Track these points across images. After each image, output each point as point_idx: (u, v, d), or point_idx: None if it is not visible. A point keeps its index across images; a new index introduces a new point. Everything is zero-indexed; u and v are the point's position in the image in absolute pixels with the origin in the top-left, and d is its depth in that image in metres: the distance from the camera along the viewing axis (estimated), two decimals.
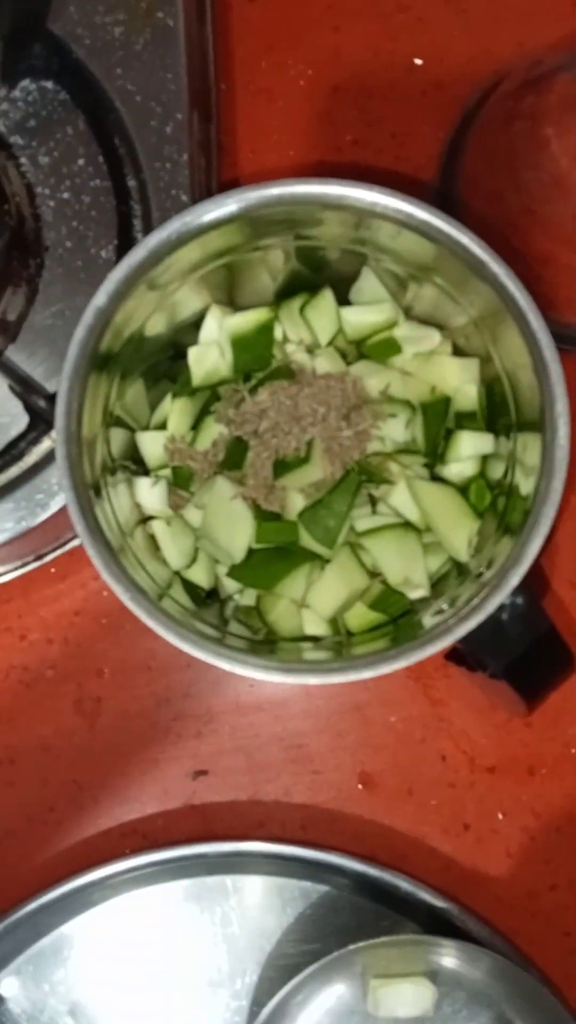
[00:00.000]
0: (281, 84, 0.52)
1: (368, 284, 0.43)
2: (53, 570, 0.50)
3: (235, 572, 0.42)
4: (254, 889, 0.48)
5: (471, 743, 0.49)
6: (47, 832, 0.49)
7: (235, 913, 0.49)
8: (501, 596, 0.37)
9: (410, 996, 0.46)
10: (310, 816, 0.49)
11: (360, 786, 0.49)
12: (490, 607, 0.37)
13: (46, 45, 0.45)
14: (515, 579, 0.37)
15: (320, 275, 0.44)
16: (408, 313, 0.44)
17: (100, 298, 0.38)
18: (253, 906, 0.48)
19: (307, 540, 0.41)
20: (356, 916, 0.48)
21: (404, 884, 0.48)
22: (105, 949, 0.48)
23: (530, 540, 0.37)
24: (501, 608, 0.38)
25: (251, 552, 0.42)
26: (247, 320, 0.42)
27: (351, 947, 0.46)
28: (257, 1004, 0.48)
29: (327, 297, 0.43)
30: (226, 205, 0.39)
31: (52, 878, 0.48)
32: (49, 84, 0.46)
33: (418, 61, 0.52)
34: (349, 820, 0.49)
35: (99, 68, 0.46)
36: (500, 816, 0.49)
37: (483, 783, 0.49)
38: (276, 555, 0.41)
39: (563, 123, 0.46)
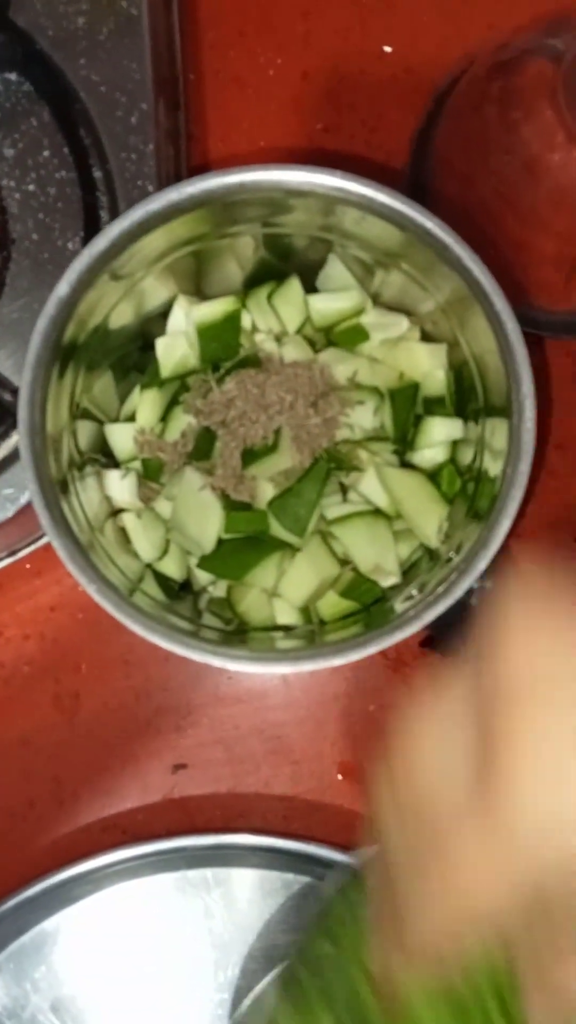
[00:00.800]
0: (251, 72, 0.51)
1: (335, 271, 0.43)
2: (28, 566, 0.49)
3: (205, 563, 0.42)
4: (236, 882, 0.48)
5: None
6: (27, 828, 0.49)
7: (218, 906, 0.48)
8: (469, 580, 0.37)
9: None
10: (291, 807, 0.49)
11: (340, 776, 0.49)
12: (458, 591, 0.37)
13: (9, 36, 0.45)
14: (483, 563, 0.37)
15: (287, 263, 0.43)
16: (376, 300, 0.43)
17: (62, 288, 0.38)
18: (236, 899, 0.48)
19: (277, 529, 0.41)
20: None
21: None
22: (87, 944, 0.48)
23: (498, 523, 0.37)
24: (470, 592, 0.38)
25: (221, 542, 0.41)
26: (214, 309, 0.42)
27: None
28: (241, 996, 0.48)
29: (294, 285, 0.43)
30: (188, 193, 0.38)
31: (32, 873, 0.47)
32: (12, 76, 0.45)
33: (388, 48, 0.52)
34: (330, 810, 0.49)
35: (63, 58, 0.45)
36: None
37: None
38: (246, 545, 0.41)
39: (533, 107, 0.45)
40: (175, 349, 0.43)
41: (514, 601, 0.25)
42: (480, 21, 0.51)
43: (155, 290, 0.42)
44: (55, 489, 0.38)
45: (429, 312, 0.42)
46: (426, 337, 0.43)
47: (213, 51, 0.51)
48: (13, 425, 0.45)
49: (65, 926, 0.48)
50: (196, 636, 0.40)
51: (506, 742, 0.24)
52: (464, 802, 0.24)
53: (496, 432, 0.39)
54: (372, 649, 0.37)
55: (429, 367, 0.42)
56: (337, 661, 0.37)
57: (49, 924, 0.48)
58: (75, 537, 0.38)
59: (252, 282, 0.44)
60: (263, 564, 0.41)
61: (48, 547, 0.48)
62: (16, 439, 0.45)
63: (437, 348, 0.42)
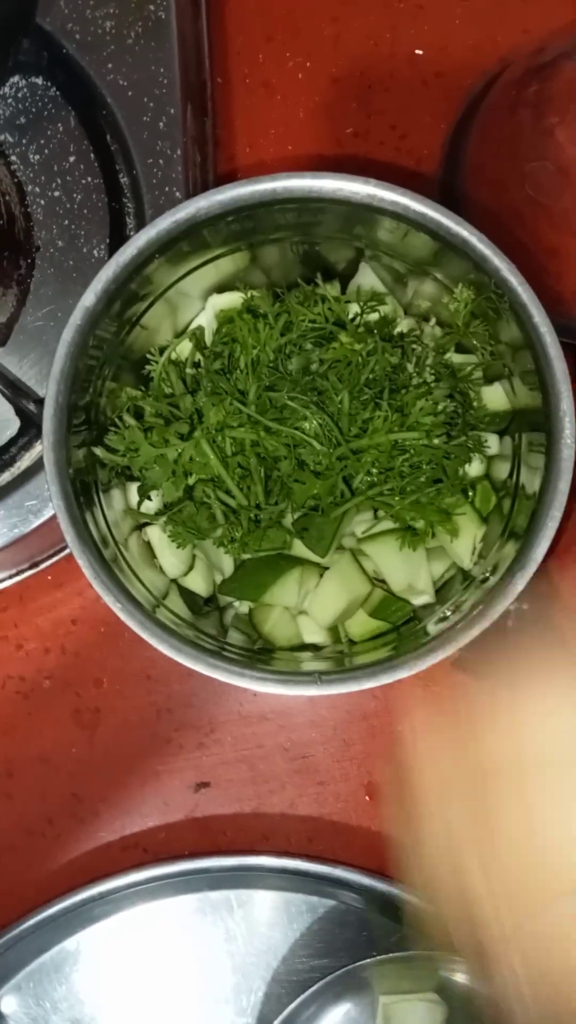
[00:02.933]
0: (279, 76, 0.50)
1: (366, 280, 0.42)
2: (49, 578, 0.48)
3: (224, 587, 0.41)
4: (260, 904, 0.47)
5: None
6: (46, 846, 0.48)
7: (240, 928, 0.47)
8: (506, 602, 0.36)
9: (422, 1013, 0.45)
10: (316, 828, 0.48)
11: (367, 797, 0.48)
12: (494, 614, 0.36)
13: (36, 40, 0.44)
14: (520, 585, 0.36)
15: (316, 273, 0.42)
16: (408, 310, 0.42)
17: (88, 298, 0.37)
18: (259, 921, 0.47)
19: (299, 548, 0.40)
20: (365, 930, 0.47)
21: (413, 898, 0.46)
22: (107, 965, 0.47)
23: (535, 544, 0.36)
24: (506, 615, 0.37)
25: (241, 563, 0.40)
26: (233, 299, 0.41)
27: (360, 963, 0.45)
28: (263, 1022, 0.47)
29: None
30: (217, 200, 0.37)
31: (52, 893, 0.47)
32: (39, 80, 0.44)
33: (419, 51, 0.51)
34: (356, 832, 0.48)
35: (90, 63, 0.44)
36: None
37: None
38: (263, 564, 0.40)
39: (568, 111, 0.44)
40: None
41: None
42: (514, 26, 0.50)
43: (181, 301, 0.41)
44: (80, 503, 0.37)
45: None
46: (461, 349, 0.42)
47: (241, 56, 0.50)
48: (36, 435, 0.44)
49: (85, 946, 0.47)
50: (221, 655, 0.39)
51: None
52: None
53: (533, 447, 0.38)
54: (404, 672, 0.36)
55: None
56: (368, 684, 0.36)
57: (70, 944, 0.47)
58: (100, 553, 0.37)
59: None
60: (281, 582, 0.40)
61: (70, 558, 0.48)
62: (39, 449, 0.44)
63: (469, 358, 0.41)
